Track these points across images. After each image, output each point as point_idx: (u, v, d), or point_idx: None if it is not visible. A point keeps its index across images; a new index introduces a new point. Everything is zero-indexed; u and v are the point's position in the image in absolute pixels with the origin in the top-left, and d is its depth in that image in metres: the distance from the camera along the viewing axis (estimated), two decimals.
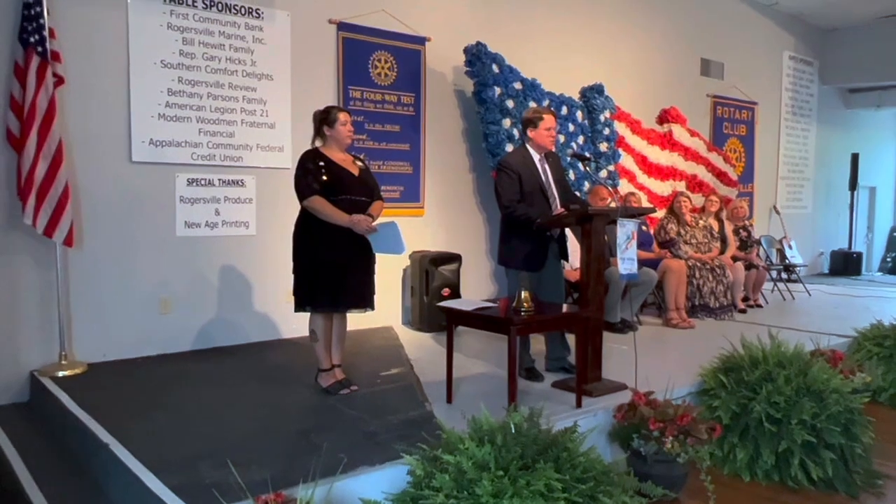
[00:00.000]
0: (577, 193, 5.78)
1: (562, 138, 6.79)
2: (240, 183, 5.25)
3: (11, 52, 4.27)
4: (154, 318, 4.88)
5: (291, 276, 3.90)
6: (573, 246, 5.19)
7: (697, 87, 9.21)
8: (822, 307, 7.60)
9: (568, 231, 4.68)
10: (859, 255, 11.68)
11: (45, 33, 4.22)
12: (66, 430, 3.71)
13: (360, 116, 5.81)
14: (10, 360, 4.35)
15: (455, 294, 5.84)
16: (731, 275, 6.74)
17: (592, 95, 7.28)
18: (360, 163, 4.02)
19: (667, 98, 8.44)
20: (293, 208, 3.89)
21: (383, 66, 6.02)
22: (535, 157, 4.35)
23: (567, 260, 4.66)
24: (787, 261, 9.02)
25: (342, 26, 5.75)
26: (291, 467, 2.78)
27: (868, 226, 13.25)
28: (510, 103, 6.26)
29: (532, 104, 6.28)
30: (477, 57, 6.18)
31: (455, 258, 6.01)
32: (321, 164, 3.80)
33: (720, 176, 8.52)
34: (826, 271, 11.65)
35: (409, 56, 6.17)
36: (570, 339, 4.35)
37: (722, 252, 7.02)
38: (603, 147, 7.26)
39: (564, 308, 4.11)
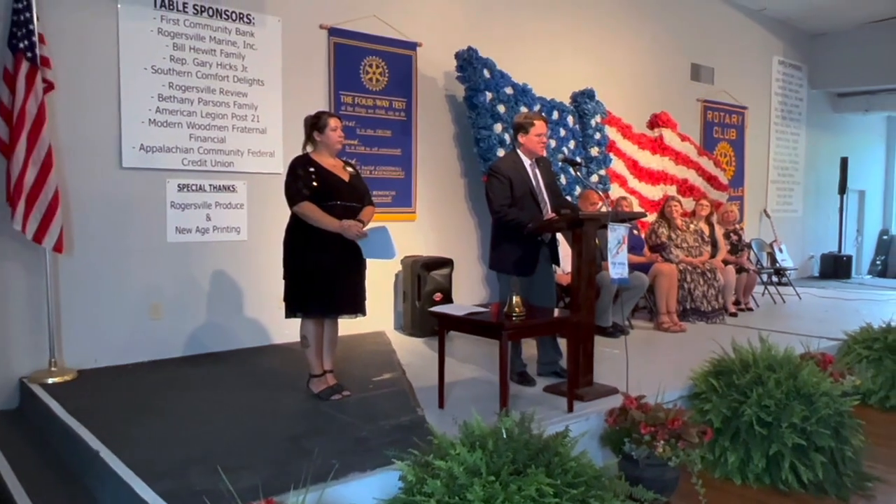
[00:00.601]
0: (569, 198, 5.80)
1: (553, 143, 6.81)
2: (231, 188, 5.24)
3: (0, 57, 4.25)
4: (145, 324, 4.86)
5: (283, 282, 3.90)
6: (564, 250, 5.20)
7: (688, 92, 9.26)
8: (813, 310, 7.64)
9: (559, 235, 4.70)
10: (849, 258, 11.75)
11: (35, 39, 4.21)
12: (56, 437, 3.69)
13: (351, 121, 5.81)
14: (0, 367, 4.32)
15: (447, 299, 5.84)
16: (722, 278, 6.78)
17: (583, 100, 7.31)
18: (350, 168, 4.02)
19: (657, 102, 8.47)
20: (285, 214, 3.89)
21: (374, 72, 6.02)
22: (526, 162, 4.36)
23: (558, 264, 4.67)
24: (777, 264, 9.07)
25: (333, 31, 5.76)
26: (282, 473, 2.77)
27: (858, 229, 13.33)
28: (501, 108, 6.28)
29: (523, 109, 6.30)
30: (468, 62, 6.19)
31: (447, 263, 6.02)
32: (311, 169, 3.80)
33: (711, 180, 8.56)
34: (816, 274, 11.72)
35: (400, 61, 6.18)
36: (562, 343, 4.36)
37: (712, 256, 7.05)
38: (594, 151, 7.29)
39: (556, 312, 4.13)
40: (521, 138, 4.35)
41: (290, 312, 3.88)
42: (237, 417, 3.67)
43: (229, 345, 5.23)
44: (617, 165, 7.60)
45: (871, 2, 9.72)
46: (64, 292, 4.54)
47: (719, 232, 7.45)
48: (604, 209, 5.48)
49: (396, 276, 6.16)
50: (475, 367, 4.68)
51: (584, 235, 4.01)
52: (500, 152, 6.02)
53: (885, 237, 13.63)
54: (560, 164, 6.45)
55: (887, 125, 13.88)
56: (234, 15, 5.22)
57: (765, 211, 10.59)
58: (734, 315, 6.99)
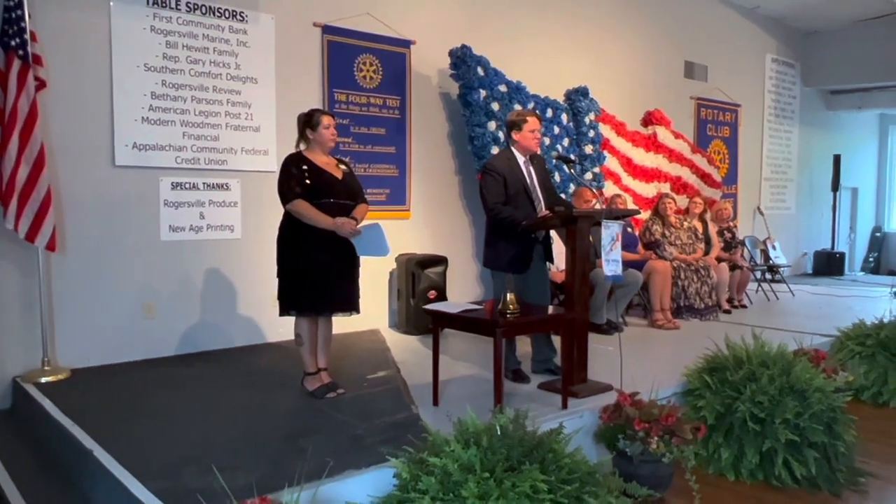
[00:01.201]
0: (563, 195, 5.80)
1: (547, 141, 6.81)
2: (225, 186, 5.23)
3: None
4: (138, 322, 4.84)
5: (277, 280, 3.89)
6: (558, 248, 5.20)
7: (681, 90, 9.27)
8: (806, 307, 7.67)
9: (553, 233, 4.70)
10: (842, 255, 11.79)
11: (27, 37, 4.19)
12: (49, 436, 3.67)
13: (345, 119, 5.80)
14: None
15: (441, 296, 5.84)
16: (716, 276, 6.79)
17: (577, 98, 7.31)
18: (343, 166, 4.01)
19: (651, 100, 8.49)
20: (278, 212, 3.88)
21: (368, 69, 6.01)
22: (520, 159, 4.36)
23: (552, 262, 4.68)
24: (770, 261, 9.10)
25: (327, 29, 5.74)
26: (277, 471, 2.77)
27: (851, 226, 13.38)
28: (495, 106, 6.28)
29: (517, 107, 6.30)
30: (462, 60, 6.19)
31: (441, 261, 6.01)
32: (304, 167, 3.80)
33: (704, 177, 8.58)
34: (809, 271, 11.75)
35: (394, 59, 6.17)
36: (556, 340, 4.36)
37: (706, 253, 7.07)
38: (588, 149, 7.30)
39: (550, 310, 4.13)
40: (514, 135, 4.35)
41: (284, 310, 3.87)
42: (231, 416, 3.66)
43: (223, 343, 5.21)
44: (611, 163, 7.62)
45: (864, 0, 9.75)
46: (57, 291, 4.52)
47: (713, 229, 7.47)
48: (598, 206, 5.50)
49: (391, 273, 6.15)
50: (469, 365, 4.69)
51: (577, 233, 4.01)
52: (495, 150, 6.01)
53: (877, 234, 13.70)
54: (554, 161, 6.45)
55: (880, 122, 13.94)
56: (227, 12, 5.20)
57: (758, 208, 10.62)
58: (728, 312, 7.01)
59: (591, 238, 4.20)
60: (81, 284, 4.62)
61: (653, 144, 8.15)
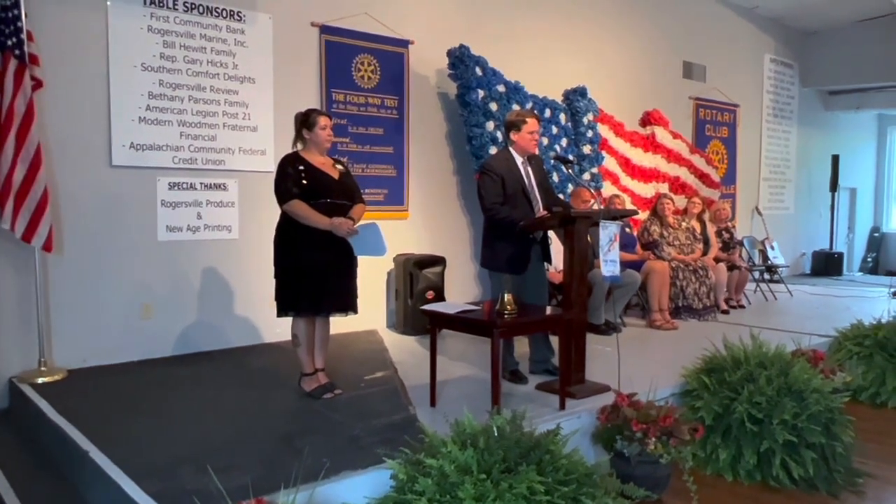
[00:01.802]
0: (561, 196, 5.79)
1: (545, 141, 6.80)
2: (222, 187, 5.22)
3: None
4: (135, 323, 4.83)
5: (274, 281, 3.88)
6: (556, 248, 5.19)
7: (680, 90, 9.26)
8: (804, 307, 7.67)
9: (551, 233, 4.69)
10: (840, 255, 11.79)
11: (23, 36, 4.18)
12: (45, 437, 3.66)
13: (343, 119, 5.79)
14: None
15: (439, 297, 5.83)
16: (714, 276, 6.79)
17: (576, 98, 7.31)
18: (340, 166, 4.01)
19: (650, 100, 8.49)
20: (276, 212, 3.87)
21: (366, 69, 6.00)
22: (518, 159, 4.35)
23: (550, 262, 4.67)
24: (769, 261, 9.10)
25: (324, 29, 5.74)
26: (273, 472, 2.76)
27: (849, 226, 13.38)
28: (494, 106, 6.27)
29: (515, 107, 6.29)
30: (460, 60, 6.18)
31: (439, 261, 6.01)
32: (300, 167, 3.79)
33: (703, 178, 8.58)
34: (808, 272, 11.75)
35: (392, 59, 6.16)
36: (554, 341, 4.35)
37: (704, 253, 7.06)
38: (586, 149, 7.29)
39: (548, 310, 4.13)
40: (513, 136, 4.35)
41: (282, 311, 3.86)
42: (228, 416, 3.66)
43: (220, 344, 5.20)
44: (609, 163, 7.61)
45: (862, 0, 9.76)
46: (53, 291, 4.51)
47: (711, 229, 7.47)
48: (596, 207, 5.49)
49: (388, 274, 6.15)
50: (467, 366, 4.68)
51: (575, 233, 4.01)
52: (493, 150, 6.00)
53: (875, 234, 13.70)
54: (552, 161, 6.44)
55: (878, 123, 13.94)
56: (224, 12, 5.19)
57: (756, 208, 10.62)
58: (726, 312, 7.01)
59: (589, 238, 4.20)
60: (78, 285, 4.61)
61: (651, 145, 8.15)
